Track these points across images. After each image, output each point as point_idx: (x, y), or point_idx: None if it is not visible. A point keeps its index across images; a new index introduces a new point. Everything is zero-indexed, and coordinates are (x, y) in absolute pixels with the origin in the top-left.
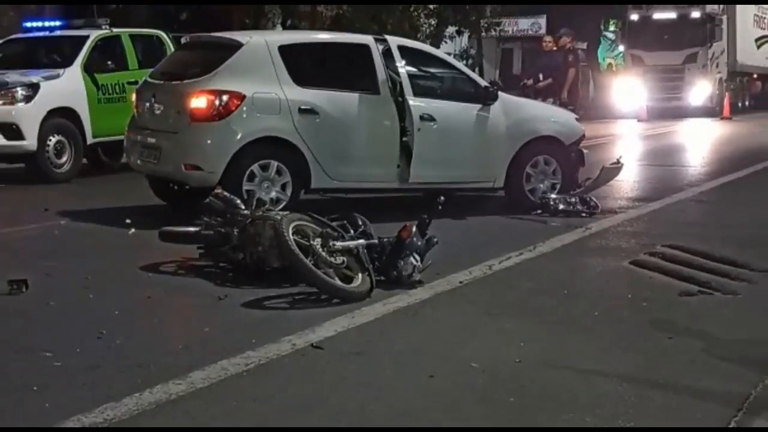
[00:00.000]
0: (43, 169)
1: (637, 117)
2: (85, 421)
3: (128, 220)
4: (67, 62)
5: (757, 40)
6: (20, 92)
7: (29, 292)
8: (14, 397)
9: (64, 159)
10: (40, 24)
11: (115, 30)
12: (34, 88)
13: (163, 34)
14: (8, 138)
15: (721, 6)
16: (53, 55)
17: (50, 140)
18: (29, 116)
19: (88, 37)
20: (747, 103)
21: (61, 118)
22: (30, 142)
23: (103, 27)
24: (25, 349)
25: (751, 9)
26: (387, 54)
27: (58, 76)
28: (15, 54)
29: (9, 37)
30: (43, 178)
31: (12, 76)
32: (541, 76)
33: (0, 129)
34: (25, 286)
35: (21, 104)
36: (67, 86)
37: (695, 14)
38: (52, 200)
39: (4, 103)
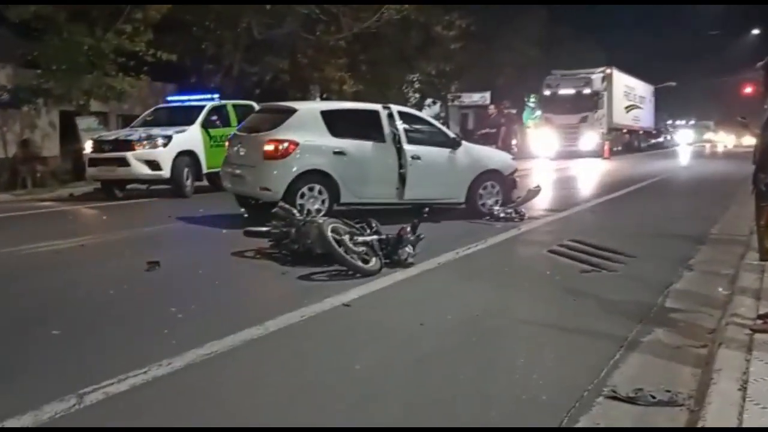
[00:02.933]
0: (177, 188)
1: (548, 157)
2: (199, 353)
3: (224, 230)
4: (191, 122)
5: (626, 107)
6: (160, 140)
7: (161, 269)
8: (151, 337)
9: (188, 182)
10: (177, 98)
11: (223, 101)
12: (169, 138)
13: (254, 104)
14: (152, 169)
15: (604, 84)
16: (183, 117)
17: (183, 171)
18: (165, 155)
19: (205, 106)
20: (619, 148)
21: (186, 157)
22: (165, 171)
23: (215, 99)
24: (159, 306)
25: (622, 87)
26: (390, 116)
27: (185, 130)
28: (161, 117)
29: (156, 107)
30: (176, 194)
31: (155, 131)
32: (485, 130)
33: (147, 164)
34: (157, 265)
35: (160, 148)
36: (190, 137)
37: (586, 91)
38: (176, 209)
39: (150, 147)
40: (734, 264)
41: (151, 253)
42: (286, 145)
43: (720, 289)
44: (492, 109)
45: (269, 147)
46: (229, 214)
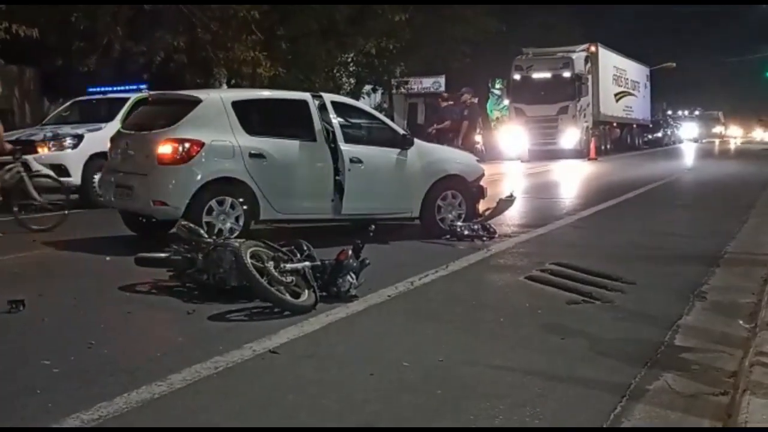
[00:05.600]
0: (87, 197)
1: (520, 158)
2: (84, 419)
3: (107, 258)
4: (112, 117)
5: (616, 95)
6: (68, 141)
7: (26, 310)
8: (20, 399)
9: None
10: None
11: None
12: (79, 137)
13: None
14: (59, 176)
15: (587, 66)
16: (104, 112)
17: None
18: (75, 159)
19: (128, 99)
20: (608, 146)
21: (102, 160)
22: (75, 178)
23: (142, 90)
24: (27, 359)
25: (611, 70)
26: (322, 108)
27: (101, 128)
28: (77, 112)
29: (74, 100)
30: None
31: (65, 129)
32: (441, 125)
33: (53, 169)
34: (22, 305)
35: (68, 150)
36: (107, 136)
37: (566, 74)
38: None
39: (57, 149)
40: (756, 290)
41: (13, 289)
42: (187, 146)
43: (740, 322)
44: (446, 95)
45: (165, 149)
46: (113, 236)
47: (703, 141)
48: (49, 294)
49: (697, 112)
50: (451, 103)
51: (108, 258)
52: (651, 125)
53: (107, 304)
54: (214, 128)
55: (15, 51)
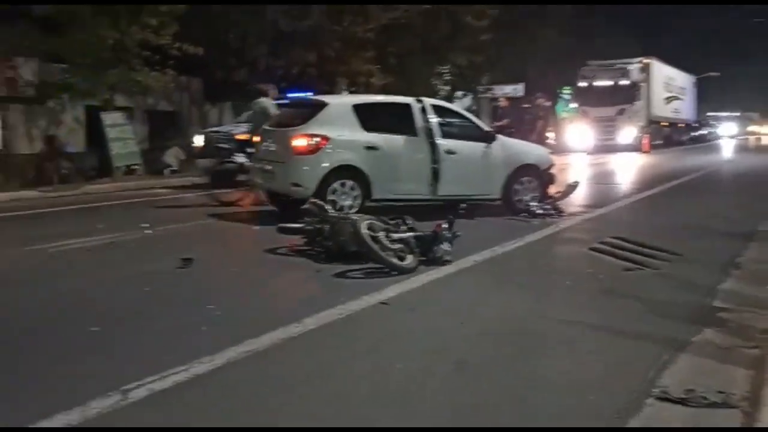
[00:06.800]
0: None
1: (585, 151)
2: (238, 351)
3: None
4: None
5: (665, 99)
6: None
7: (194, 266)
8: (191, 335)
9: None
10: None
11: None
12: None
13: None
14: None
15: (642, 75)
16: None
17: None
18: None
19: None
20: (659, 141)
21: None
22: None
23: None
24: (196, 303)
25: (662, 78)
26: (422, 110)
27: None
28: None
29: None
30: None
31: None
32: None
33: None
34: (190, 262)
35: None
36: None
37: (623, 82)
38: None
39: None
40: None
41: (185, 249)
42: (317, 140)
43: None
44: (504, 102)
45: (300, 142)
46: (261, 210)
47: (739, 138)
48: (212, 254)
49: (735, 113)
50: (507, 105)
51: (256, 228)
52: (696, 124)
53: (256, 263)
54: (337, 126)
55: (184, 65)
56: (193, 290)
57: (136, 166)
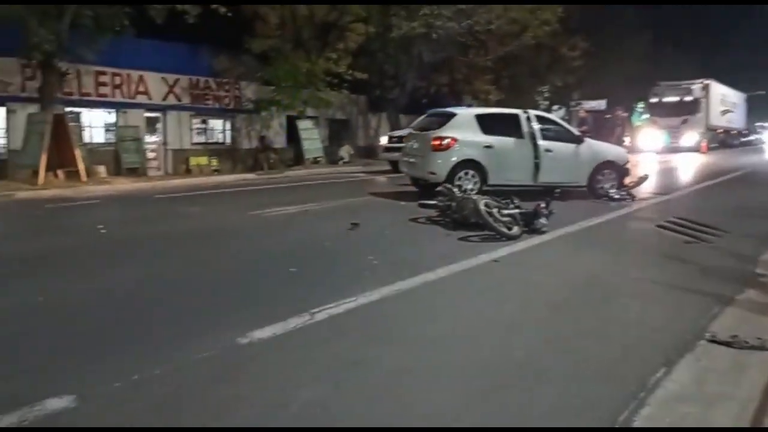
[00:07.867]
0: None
1: (655, 152)
2: (391, 289)
3: (402, 203)
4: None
5: (721, 111)
6: None
7: (360, 229)
8: (357, 278)
9: None
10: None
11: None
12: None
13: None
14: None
15: (702, 93)
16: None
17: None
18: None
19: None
20: (715, 144)
21: None
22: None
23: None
24: (361, 255)
25: (718, 96)
26: (528, 119)
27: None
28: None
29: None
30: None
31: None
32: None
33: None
34: (357, 226)
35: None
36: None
37: (687, 98)
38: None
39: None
40: None
41: (353, 216)
42: (448, 140)
43: None
44: (583, 113)
45: (436, 142)
46: (405, 191)
47: None
48: (370, 221)
49: None
50: (587, 116)
51: (402, 203)
52: (745, 131)
53: (403, 228)
54: (464, 130)
55: (354, 86)
56: (359, 245)
57: (320, 158)
